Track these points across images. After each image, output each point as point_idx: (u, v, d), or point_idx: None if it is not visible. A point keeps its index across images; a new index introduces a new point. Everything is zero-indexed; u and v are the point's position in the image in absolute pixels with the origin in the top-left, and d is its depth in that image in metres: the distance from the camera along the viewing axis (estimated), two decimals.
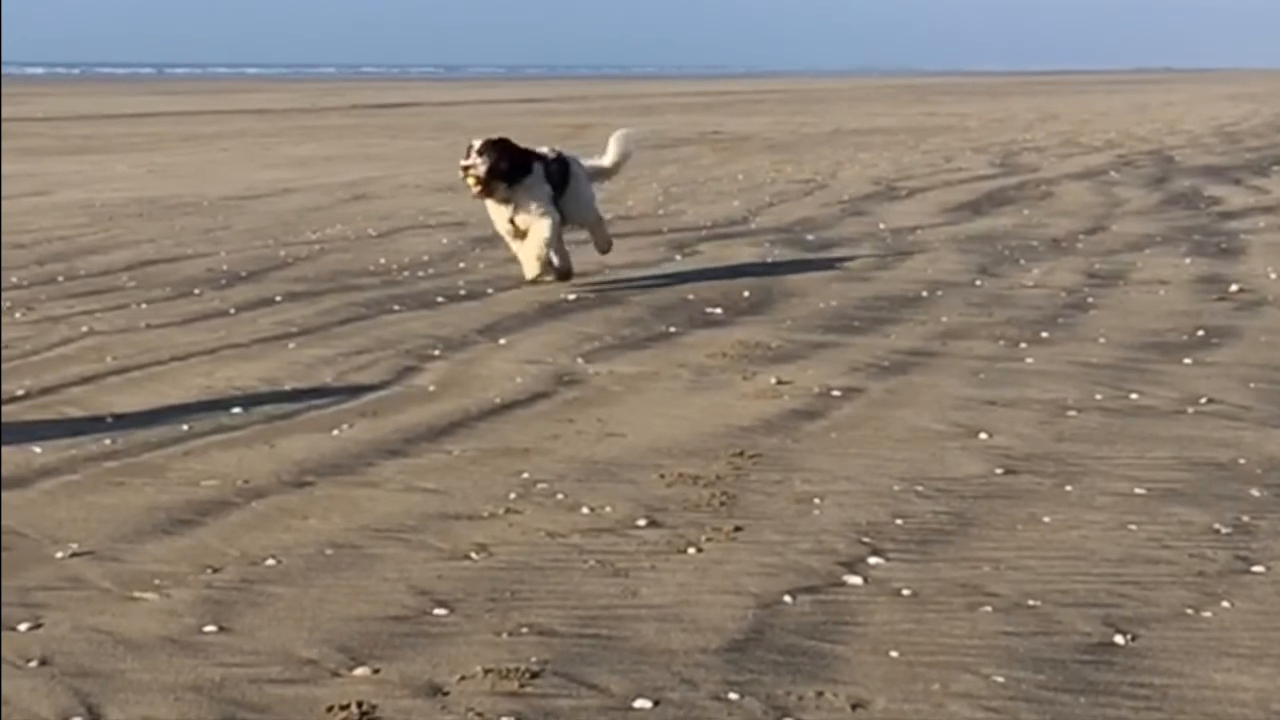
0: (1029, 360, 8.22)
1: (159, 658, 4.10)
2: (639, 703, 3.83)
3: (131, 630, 4.29)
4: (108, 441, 6.42)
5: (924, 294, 10.57)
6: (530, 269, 10.43)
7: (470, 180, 10.26)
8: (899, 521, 5.34)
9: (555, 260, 10.64)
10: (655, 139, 30.12)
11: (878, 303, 10.21)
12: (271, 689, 3.90)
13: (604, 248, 11.36)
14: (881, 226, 14.81)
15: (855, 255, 12.66)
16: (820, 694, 3.89)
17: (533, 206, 10.31)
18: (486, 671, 4.01)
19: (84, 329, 9.01)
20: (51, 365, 7.90)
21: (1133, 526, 5.29)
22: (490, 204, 10.41)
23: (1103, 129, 33.94)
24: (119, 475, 5.91)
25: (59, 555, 4.93)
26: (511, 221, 10.41)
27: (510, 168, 10.22)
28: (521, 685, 3.93)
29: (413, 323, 9.35)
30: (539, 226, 10.33)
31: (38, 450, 6.23)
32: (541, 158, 10.56)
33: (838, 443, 6.47)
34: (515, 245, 10.56)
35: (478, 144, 10.27)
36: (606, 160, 11.34)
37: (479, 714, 3.76)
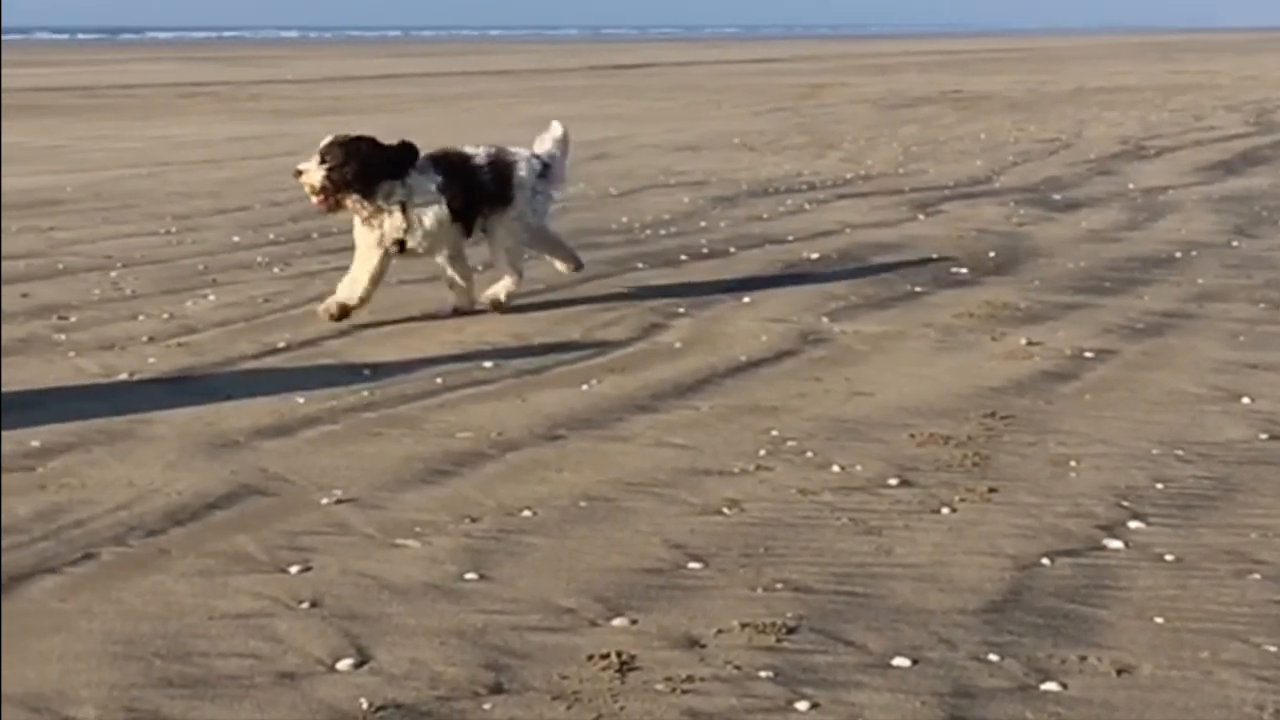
0: None
1: (423, 603, 4.20)
2: (897, 661, 3.80)
3: (396, 576, 4.40)
4: (365, 393, 6.58)
5: (1177, 255, 10.29)
6: (458, 283, 8.43)
7: (306, 189, 8.11)
8: (1159, 486, 5.21)
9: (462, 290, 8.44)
10: (894, 99, 29.81)
11: (1129, 264, 9.96)
12: (532, 636, 3.97)
13: (507, 292, 8.43)
14: (1130, 186, 14.45)
15: (1104, 215, 12.37)
16: (1084, 658, 3.82)
17: (422, 224, 8.07)
18: (743, 626, 4.02)
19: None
20: (309, 319, 8.11)
21: None
22: (356, 225, 8.19)
23: None
24: (377, 426, 6.06)
25: (324, 501, 5.08)
26: (399, 244, 8.13)
27: (361, 173, 7.95)
28: (778, 640, 3.93)
29: (657, 280, 9.40)
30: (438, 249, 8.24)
31: (300, 400, 6.42)
32: (446, 159, 8.26)
33: (1092, 405, 6.34)
34: (360, 269, 8.16)
35: (324, 143, 8.07)
36: (556, 130, 8.75)
37: (737, 667, 3.77)
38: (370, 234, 8.11)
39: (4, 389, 6.66)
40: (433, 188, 8.10)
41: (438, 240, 8.18)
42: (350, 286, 8.10)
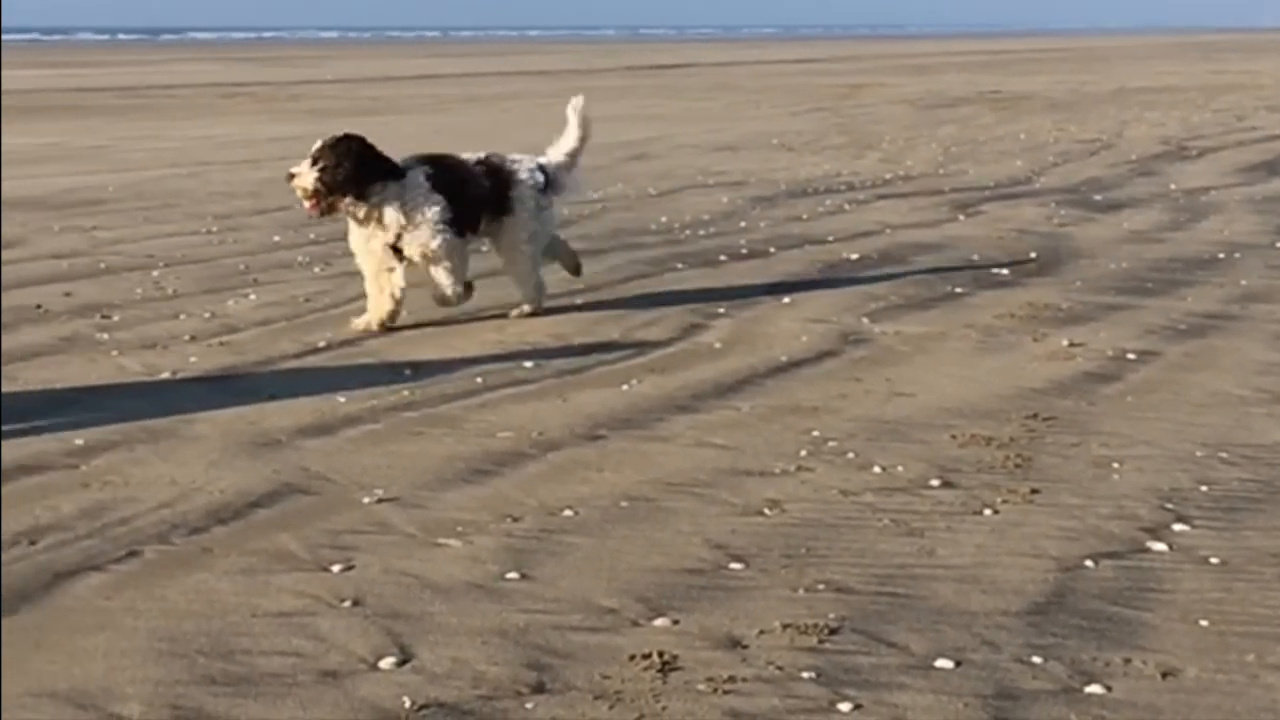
0: None
1: (465, 602, 4.20)
2: (940, 662, 3.79)
3: (437, 575, 4.41)
4: (406, 392, 6.60)
5: (1220, 256, 10.23)
6: (447, 298, 8.06)
7: (298, 194, 7.93)
8: (1203, 488, 5.18)
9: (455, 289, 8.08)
10: (933, 99, 29.73)
11: (1171, 265, 9.91)
12: (574, 636, 3.97)
13: (531, 302, 8.29)
14: (1172, 187, 14.37)
15: (1146, 216, 12.32)
16: (1128, 661, 3.80)
17: (421, 223, 7.83)
18: (785, 626, 4.01)
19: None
20: (350, 318, 8.11)
21: None
22: (352, 229, 8.01)
23: None
24: (419, 425, 6.07)
25: (366, 500, 5.09)
26: (395, 249, 7.88)
27: (357, 175, 7.76)
28: (820, 641, 3.92)
29: (696, 281, 9.39)
30: (438, 250, 7.89)
31: (341, 400, 6.44)
32: (439, 162, 8.03)
33: (1135, 406, 6.30)
34: (379, 283, 7.94)
35: (317, 145, 7.86)
36: (571, 140, 8.48)
37: (779, 668, 3.76)
38: (367, 240, 7.90)
39: (49, 387, 6.71)
40: (427, 185, 7.85)
41: (432, 241, 7.84)
42: (375, 306, 7.93)
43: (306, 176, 7.79)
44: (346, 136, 7.90)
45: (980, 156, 17.49)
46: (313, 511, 4.98)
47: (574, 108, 8.53)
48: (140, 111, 28.03)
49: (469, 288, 8.21)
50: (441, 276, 7.99)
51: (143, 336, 7.78)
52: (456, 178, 8.01)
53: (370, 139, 7.97)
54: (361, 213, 7.86)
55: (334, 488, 5.24)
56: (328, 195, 7.79)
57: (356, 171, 7.77)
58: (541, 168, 8.28)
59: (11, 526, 4.81)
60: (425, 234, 7.85)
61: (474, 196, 8.05)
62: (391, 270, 7.91)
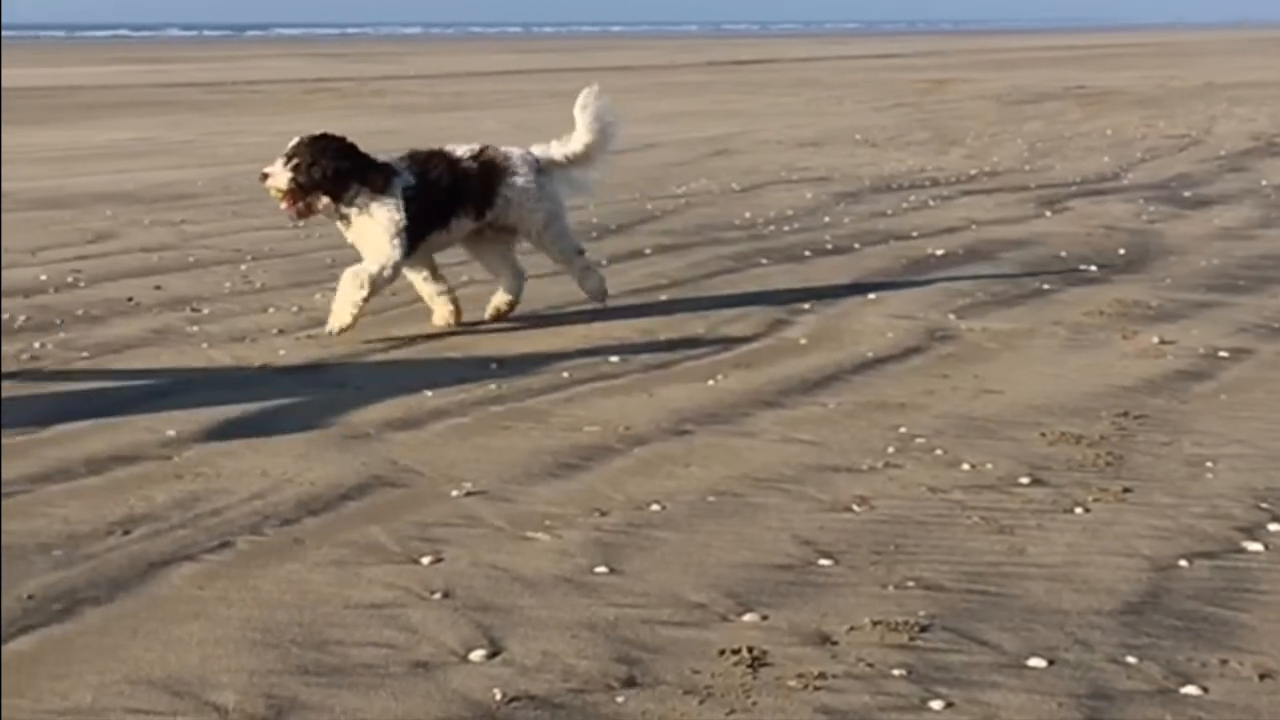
0: None
1: (554, 595, 4.21)
2: (1033, 661, 3.76)
3: (526, 568, 4.42)
4: (493, 386, 6.62)
5: None
6: (336, 319, 7.51)
7: (272, 194, 7.59)
8: None
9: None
10: (1018, 94, 29.51)
11: (1264, 262, 9.78)
12: (663, 630, 3.97)
13: (596, 294, 8.19)
14: (1263, 183, 14.19)
15: (1236, 212, 12.17)
16: (1224, 662, 3.75)
17: (372, 235, 7.50)
18: (875, 623, 3.99)
19: (464, 278, 9.26)
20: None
21: None
22: (346, 235, 7.72)
23: None
24: (505, 419, 6.09)
25: (454, 494, 5.11)
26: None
27: (334, 176, 7.43)
28: (911, 639, 3.90)
29: (781, 276, 9.37)
30: (366, 263, 7.50)
31: (429, 394, 6.47)
32: (426, 159, 7.70)
33: (1228, 405, 6.23)
34: (425, 284, 7.97)
35: (291, 143, 7.55)
36: (575, 144, 8.05)
37: (870, 665, 3.75)
38: (349, 235, 7.65)
39: (141, 377, 6.79)
40: (397, 186, 7.51)
41: (366, 244, 7.54)
42: (436, 307, 7.90)
43: (280, 175, 7.45)
44: (323, 135, 7.59)
45: (1067, 152, 17.34)
46: (402, 504, 5.01)
47: (582, 106, 8.09)
48: (227, 107, 28.31)
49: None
50: (371, 266, 7.50)
51: (232, 329, 7.85)
52: (440, 174, 7.67)
53: (351, 139, 7.71)
54: (337, 214, 7.57)
55: (422, 480, 5.27)
56: (304, 194, 7.44)
57: (334, 171, 7.45)
58: (531, 154, 7.94)
59: (106, 516, 4.88)
60: (367, 222, 7.52)
61: (460, 192, 7.72)
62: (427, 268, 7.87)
